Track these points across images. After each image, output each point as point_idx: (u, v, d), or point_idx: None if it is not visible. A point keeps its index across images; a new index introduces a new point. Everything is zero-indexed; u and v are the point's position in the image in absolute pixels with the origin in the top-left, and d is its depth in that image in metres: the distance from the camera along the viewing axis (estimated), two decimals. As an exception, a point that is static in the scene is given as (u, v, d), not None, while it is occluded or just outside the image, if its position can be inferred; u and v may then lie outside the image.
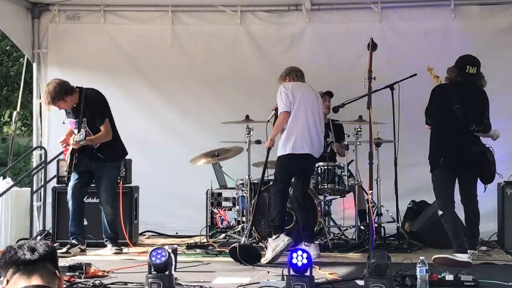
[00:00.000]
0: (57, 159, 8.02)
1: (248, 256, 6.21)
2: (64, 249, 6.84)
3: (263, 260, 6.27)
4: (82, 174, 7.08)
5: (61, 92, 6.80)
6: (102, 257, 6.81)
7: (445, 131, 6.22)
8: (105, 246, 7.22)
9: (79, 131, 6.84)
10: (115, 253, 7.01)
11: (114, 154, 7.18)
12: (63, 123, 7.23)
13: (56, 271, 2.33)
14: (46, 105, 6.93)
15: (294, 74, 6.90)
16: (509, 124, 7.97)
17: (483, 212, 7.75)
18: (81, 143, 6.74)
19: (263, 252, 6.46)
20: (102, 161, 7.04)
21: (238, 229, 7.65)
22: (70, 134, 7.08)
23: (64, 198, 7.51)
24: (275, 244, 6.37)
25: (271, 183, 7.22)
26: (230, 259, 6.40)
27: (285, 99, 6.64)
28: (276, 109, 6.92)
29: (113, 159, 7.18)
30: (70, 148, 6.94)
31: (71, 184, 7.09)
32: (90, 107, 6.93)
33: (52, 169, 8.51)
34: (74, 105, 6.93)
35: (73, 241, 6.99)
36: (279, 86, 6.84)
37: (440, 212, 6.20)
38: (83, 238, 7.11)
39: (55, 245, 7.44)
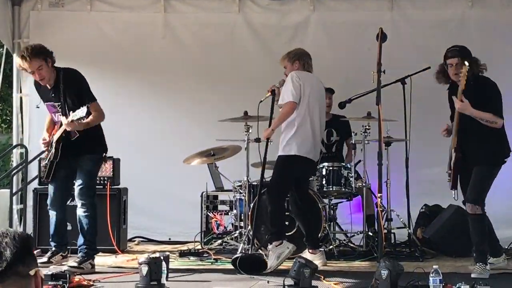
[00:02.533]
0: (39, 158, 7.99)
1: (253, 266, 6.21)
2: (45, 259, 6.74)
3: (268, 269, 6.26)
4: (62, 182, 6.77)
5: (46, 51, 6.43)
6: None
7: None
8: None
9: (64, 115, 6.43)
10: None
11: (94, 145, 6.70)
12: (37, 107, 6.93)
13: (30, 272, 2.25)
14: (25, 63, 6.35)
15: (306, 61, 6.86)
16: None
17: (503, 217, 7.78)
18: (80, 121, 6.24)
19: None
20: (80, 154, 6.62)
21: (236, 235, 7.64)
22: (51, 127, 6.76)
23: (46, 200, 7.50)
24: (280, 251, 6.39)
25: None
26: (227, 268, 6.41)
27: (297, 89, 6.60)
28: (273, 91, 6.87)
29: (93, 150, 6.72)
30: (57, 134, 6.53)
31: (50, 197, 6.82)
32: (71, 86, 6.51)
33: (33, 169, 8.50)
34: (52, 85, 6.51)
35: (54, 248, 6.84)
36: (285, 67, 6.86)
37: (477, 210, 6.08)
38: (65, 245, 6.95)
39: (36, 251, 7.43)
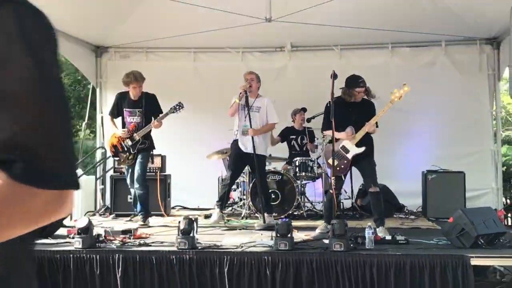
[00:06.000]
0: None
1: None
2: (141, 222, 6.55)
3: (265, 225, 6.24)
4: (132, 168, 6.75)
5: (143, 78, 6.60)
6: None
7: None
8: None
9: (142, 115, 6.56)
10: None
11: (153, 143, 6.80)
12: (113, 114, 6.78)
13: None
14: (135, 81, 6.49)
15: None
16: (430, 126, 8.13)
17: (412, 191, 7.77)
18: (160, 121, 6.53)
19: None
20: (145, 149, 6.65)
21: (240, 204, 7.66)
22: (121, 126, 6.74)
23: (119, 183, 7.49)
24: (271, 219, 6.37)
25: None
26: (235, 225, 6.38)
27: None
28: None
29: (153, 147, 6.82)
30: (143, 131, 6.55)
31: (129, 178, 6.72)
32: (151, 102, 6.63)
33: (110, 163, 8.50)
34: (136, 98, 6.62)
35: (140, 216, 6.67)
36: (252, 79, 6.92)
37: (377, 189, 5.74)
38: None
39: (112, 216, 7.39)
